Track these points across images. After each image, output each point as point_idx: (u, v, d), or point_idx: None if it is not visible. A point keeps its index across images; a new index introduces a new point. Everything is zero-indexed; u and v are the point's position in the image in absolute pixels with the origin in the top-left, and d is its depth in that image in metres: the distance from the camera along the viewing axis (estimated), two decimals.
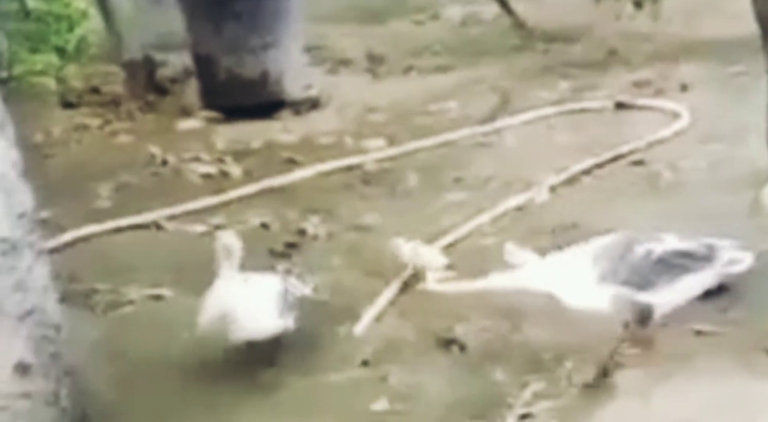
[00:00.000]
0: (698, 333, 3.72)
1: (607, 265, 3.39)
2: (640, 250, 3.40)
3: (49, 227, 4.53)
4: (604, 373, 3.49)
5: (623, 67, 6.35)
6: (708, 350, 3.65)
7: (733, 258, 3.46)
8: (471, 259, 4.36)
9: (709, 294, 3.68)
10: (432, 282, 3.95)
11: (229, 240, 3.75)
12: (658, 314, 3.45)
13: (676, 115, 5.58)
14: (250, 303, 3.69)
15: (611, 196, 4.84)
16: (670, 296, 3.41)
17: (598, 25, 6.96)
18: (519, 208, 4.80)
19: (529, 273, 3.50)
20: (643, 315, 3.44)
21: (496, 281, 3.59)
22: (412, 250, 4.17)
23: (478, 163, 5.33)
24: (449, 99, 6.17)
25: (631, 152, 5.22)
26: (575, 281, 3.42)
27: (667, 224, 4.33)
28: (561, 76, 6.30)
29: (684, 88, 5.95)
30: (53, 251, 4.36)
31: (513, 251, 3.61)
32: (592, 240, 3.53)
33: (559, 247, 3.73)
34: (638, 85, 6.07)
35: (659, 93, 5.92)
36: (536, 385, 3.54)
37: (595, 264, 3.40)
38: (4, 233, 3.04)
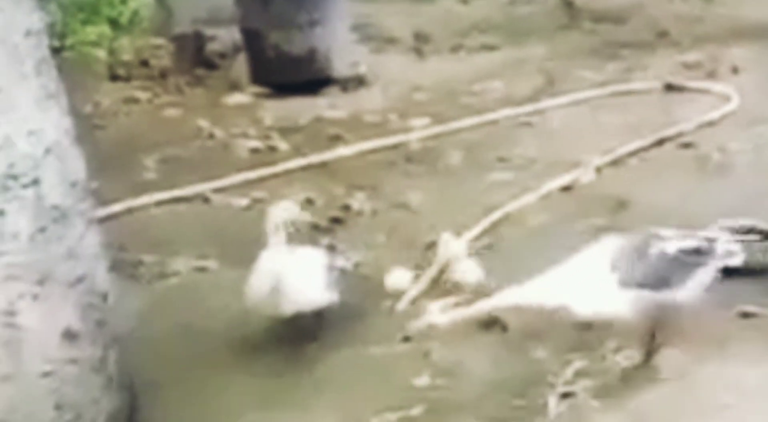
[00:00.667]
0: (744, 315, 3.72)
1: (626, 269, 3.38)
2: (654, 251, 3.41)
3: (97, 198, 4.58)
4: (648, 357, 3.49)
5: (673, 48, 6.30)
6: (751, 334, 3.63)
7: (729, 251, 3.48)
8: (516, 239, 4.37)
9: (757, 275, 3.70)
10: (436, 313, 3.74)
11: (287, 211, 3.76)
12: (678, 311, 3.44)
13: (725, 98, 5.53)
14: (298, 275, 3.71)
15: (658, 177, 4.82)
16: (686, 292, 3.42)
17: (648, 6, 6.90)
18: (565, 188, 4.79)
19: (540, 287, 3.43)
20: (666, 315, 3.44)
21: (505, 300, 3.51)
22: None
23: (522, 143, 5.32)
24: (495, 78, 6.16)
25: (680, 134, 5.19)
26: (595, 288, 3.38)
27: (713, 205, 4.33)
28: (609, 57, 6.26)
29: (735, 70, 5.90)
30: (101, 221, 4.41)
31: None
32: (600, 244, 3.47)
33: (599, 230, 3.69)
34: (689, 66, 6.02)
35: (710, 75, 5.87)
36: (578, 363, 3.54)
37: (614, 269, 3.38)
38: (56, 201, 3.07)
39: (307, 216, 3.89)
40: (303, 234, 3.89)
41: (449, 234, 4.18)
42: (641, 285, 3.37)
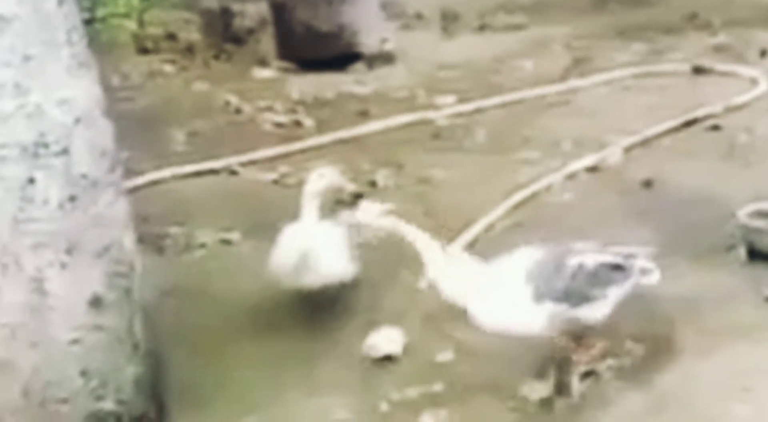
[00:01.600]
0: None
1: (542, 282, 3.28)
2: (572, 264, 3.32)
3: (125, 169, 4.60)
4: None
5: (702, 31, 6.27)
6: None
7: (644, 269, 3.39)
8: (540, 219, 4.37)
9: None
10: (366, 212, 3.64)
11: (324, 178, 3.74)
12: (590, 326, 3.37)
13: (754, 81, 5.51)
14: (323, 248, 3.73)
15: (685, 159, 4.81)
16: (601, 309, 3.34)
17: None
18: (591, 169, 4.78)
19: (455, 282, 3.34)
20: (579, 330, 3.39)
21: (419, 242, 3.39)
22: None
23: (549, 123, 5.31)
24: (522, 57, 6.15)
25: (707, 117, 5.17)
26: (508, 299, 3.30)
27: (740, 188, 4.32)
28: (637, 38, 6.24)
29: (763, 53, 5.87)
30: (128, 193, 4.43)
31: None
32: (516, 254, 3.37)
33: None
34: (717, 49, 6.00)
35: (739, 58, 5.85)
36: (601, 344, 3.55)
37: (529, 280, 3.29)
38: (86, 170, 3.09)
39: (348, 184, 3.85)
40: (329, 208, 3.91)
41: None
42: (556, 299, 3.28)
